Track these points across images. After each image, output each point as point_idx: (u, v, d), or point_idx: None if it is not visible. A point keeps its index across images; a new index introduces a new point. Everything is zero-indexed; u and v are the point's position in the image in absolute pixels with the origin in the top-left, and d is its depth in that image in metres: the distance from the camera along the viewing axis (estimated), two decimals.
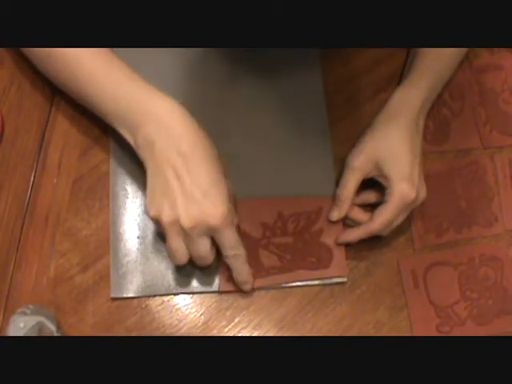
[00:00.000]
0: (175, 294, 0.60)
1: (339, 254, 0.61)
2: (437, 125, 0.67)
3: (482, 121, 0.67)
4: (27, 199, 0.62)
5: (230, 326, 0.60)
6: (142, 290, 0.59)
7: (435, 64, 0.64)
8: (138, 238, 0.61)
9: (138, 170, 0.62)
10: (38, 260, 0.60)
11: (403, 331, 0.61)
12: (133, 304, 0.60)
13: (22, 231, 0.61)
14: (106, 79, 0.56)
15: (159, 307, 0.60)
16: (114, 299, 0.59)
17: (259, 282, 0.60)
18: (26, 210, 0.62)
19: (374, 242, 0.62)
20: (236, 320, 0.60)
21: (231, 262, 0.56)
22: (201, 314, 0.60)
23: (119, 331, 0.59)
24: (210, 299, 0.60)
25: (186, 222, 0.52)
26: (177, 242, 0.54)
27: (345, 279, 0.61)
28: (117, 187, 0.62)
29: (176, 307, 0.60)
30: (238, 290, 0.60)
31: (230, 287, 0.60)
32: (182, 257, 0.55)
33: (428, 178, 0.64)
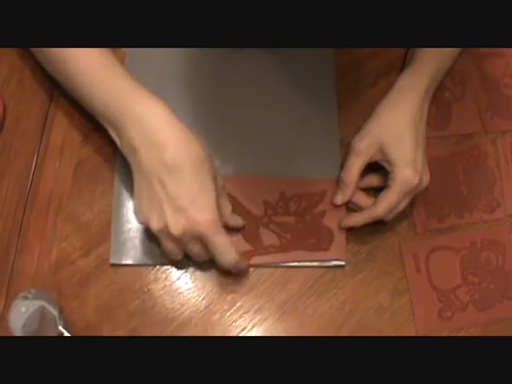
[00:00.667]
0: (174, 266, 0.60)
1: (340, 238, 0.61)
2: (439, 109, 0.67)
3: (484, 106, 0.67)
4: (29, 183, 0.62)
5: (231, 311, 0.60)
6: (140, 258, 0.60)
7: (437, 51, 0.64)
8: None
9: None
10: (39, 244, 0.60)
11: (405, 316, 0.61)
12: (135, 288, 0.60)
13: (24, 216, 0.61)
14: (95, 78, 0.56)
15: (161, 291, 0.60)
16: (113, 265, 0.60)
17: (257, 260, 0.60)
18: (28, 194, 0.62)
19: (376, 226, 0.62)
20: (238, 304, 0.60)
21: (222, 263, 0.56)
22: (202, 299, 0.60)
23: (121, 315, 0.59)
24: (211, 283, 0.60)
25: (174, 229, 0.52)
26: (169, 244, 0.55)
27: (343, 263, 0.61)
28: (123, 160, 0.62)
29: (178, 291, 0.60)
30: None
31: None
32: (177, 256, 0.56)
33: (430, 162, 0.64)
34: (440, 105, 0.67)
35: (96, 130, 0.63)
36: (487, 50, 0.69)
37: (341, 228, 0.62)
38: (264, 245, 0.61)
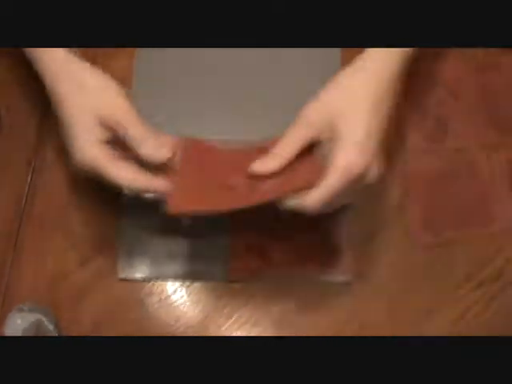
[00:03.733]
0: (182, 279, 0.61)
1: (346, 254, 0.61)
2: (435, 123, 0.66)
3: (480, 119, 0.67)
4: (25, 196, 0.62)
5: (227, 324, 0.60)
6: (149, 273, 0.60)
7: None
8: (148, 221, 0.61)
9: None
10: (35, 258, 0.61)
11: (400, 329, 0.60)
12: (130, 302, 0.60)
13: (19, 229, 0.61)
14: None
15: (156, 305, 0.60)
16: (122, 280, 0.60)
17: (266, 273, 0.60)
18: (24, 206, 0.62)
19: (371, 240, 0.62)
20: (234, 317, 0.60)
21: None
22: (198, 312, 0.60)
23: (117, 329, 0.59)
24: (207, 297, 0.60)
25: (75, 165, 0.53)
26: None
27: (349, 279, 0.61)
28: None
29: (173, 305, 0.60)
30: (246, 279, 0.60)
31: (237, 276, 0.60)
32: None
33: (426, 176, 0.64)
34: (436, 118, 0.67)
35: None
36: (484, 62, 0.69)
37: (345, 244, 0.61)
38: (273, 259, 0.60)
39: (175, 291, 0.60)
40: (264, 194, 0.50)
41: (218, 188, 0.52)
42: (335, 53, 0.68)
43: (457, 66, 0.69)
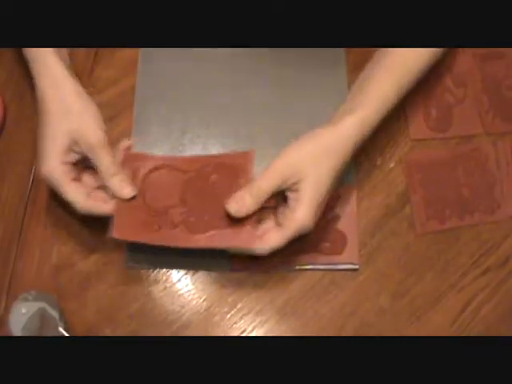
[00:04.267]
0: (187, 268, 0.61)
1: (353, 241, 0.62)
2: (439, 111, 0.66)
3: (485, 107, 0.67)
4: (29, 186, 0.62)
5: (232, 313, 0.60)
6: (155, 263, 0.60)
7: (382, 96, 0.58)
8: None
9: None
10: (39, 247, 0.61)
11: (405, 317, 0.60)
12: (135, 290, 0.60)
13: (24, 219, 0.61)
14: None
15: (161, 293, 0.60)
16: (128, 268, 0.60)
17: (272, 264, 0.60)
18: (29, 197, 0.62)
19: (376, 229, 0.62)
20: (238, 306, 0.60)
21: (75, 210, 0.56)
22: (203, 300, 0.60)
23: (121, 318, 0.59)
24: (211, 285, 0.60)
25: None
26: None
27: (357, 266, 0.61)
28: None
29: (178, 293, 0.60)
30: (250, 268, 0.60)
31: (241, 265, 0.60)
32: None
33: (430, 164, 0.64)
34: (441, 106, 0.67)
35: None
36: (488, 51, 0.69)
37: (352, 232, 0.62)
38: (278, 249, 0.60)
39: (180, 280, 0.60)
40: (208, 240, 0.55)
41: (158, 220, 0.56)
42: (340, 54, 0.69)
43: (461, 54, 0.69)
